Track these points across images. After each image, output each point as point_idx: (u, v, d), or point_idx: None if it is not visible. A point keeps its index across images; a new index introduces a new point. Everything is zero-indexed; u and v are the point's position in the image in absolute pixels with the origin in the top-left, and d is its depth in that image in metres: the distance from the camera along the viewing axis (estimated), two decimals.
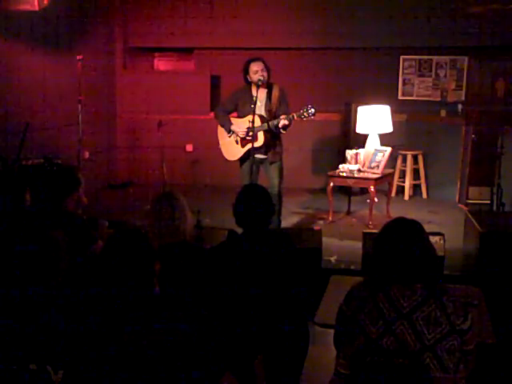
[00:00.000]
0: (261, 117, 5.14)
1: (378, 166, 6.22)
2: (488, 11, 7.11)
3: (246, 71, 5.15)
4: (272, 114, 5.18)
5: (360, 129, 6.90)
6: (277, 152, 5.31)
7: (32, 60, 6.72)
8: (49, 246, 2.11)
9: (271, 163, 5.30)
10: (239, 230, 3.08)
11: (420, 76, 7.83)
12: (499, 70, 7.27)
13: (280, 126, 5.04)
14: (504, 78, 7.29)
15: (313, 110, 5.05)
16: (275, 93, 5.21)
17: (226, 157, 5.47)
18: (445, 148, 7.43)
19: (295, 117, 5.07)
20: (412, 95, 7.89)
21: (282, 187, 5.36)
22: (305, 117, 5.07)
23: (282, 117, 5.05)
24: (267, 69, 5.14)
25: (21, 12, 6.28)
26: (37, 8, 6.24)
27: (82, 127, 6.57)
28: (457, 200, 7.22)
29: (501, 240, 4.35)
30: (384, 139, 6.70)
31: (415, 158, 7.55)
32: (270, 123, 5.09)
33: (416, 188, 7.71)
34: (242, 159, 5.34)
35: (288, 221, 6.19)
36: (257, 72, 5.08)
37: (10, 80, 6.34)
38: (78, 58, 6.40)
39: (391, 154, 6.42)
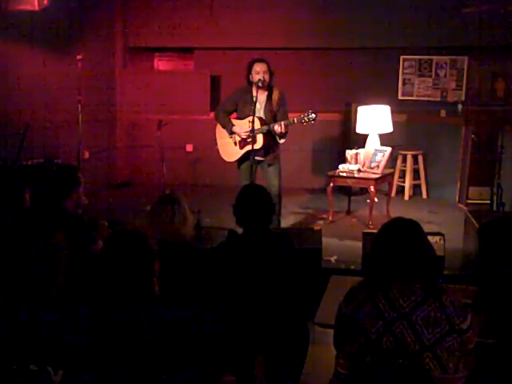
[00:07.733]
0: (260, 119, 5.14)
1: (378, 166, 6.22)
2: (487, 11, 7.11)
3: (249, 71, 5.15)
4: (271, 118, 5.17)
5: (360, 129, 6.90)
6: (275, 155, 5.31)
7: (32, 60, 6.73)
8: (50, 251, 2.11)
9: (269, 165, 5.30)
10: (239, 230, 3.08)
11: (420, 76, 7.82)
12: (499, 69, 7.26)
13: (274, 128, 5.03)
14: (504, 78, 7.28)
15: (313, 115, 5.00)
16: (275, 97, 5.21)
17: (224, 157, 5.47)
18: (445, 148, 7.43)
19: (295, 121, 5.05)
20: (412, 95, 7.88)
21: (281, 188, 5.36)
22: (305, 121, 5.03)
23: (280, 122, 5.04)
24: (270, 72, 5.13)
25: (21, 12, 6.30)
26: (37, 8, 6.26)
27: (82, 127, 6.58)
28: (457, 200, 7.21)
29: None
30: (384, 139, 6.70)
31: (415, 158, 7.54)
32: (270, 126, 5.09)
33: (416, 188, 7.70)
34: (240, 160, 5.34)
35: (288, 221, 6.18)
36: (258, 73, 5.07)
37: (10, 80, 6.35)
38: (78, 57, 6.40)
39: (391, 154, 6.41)
